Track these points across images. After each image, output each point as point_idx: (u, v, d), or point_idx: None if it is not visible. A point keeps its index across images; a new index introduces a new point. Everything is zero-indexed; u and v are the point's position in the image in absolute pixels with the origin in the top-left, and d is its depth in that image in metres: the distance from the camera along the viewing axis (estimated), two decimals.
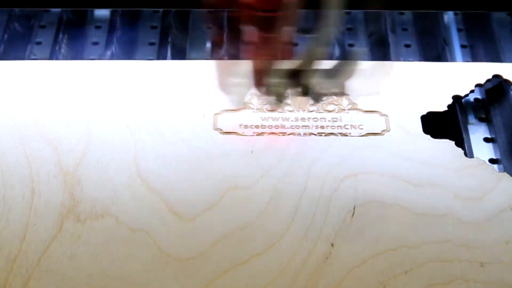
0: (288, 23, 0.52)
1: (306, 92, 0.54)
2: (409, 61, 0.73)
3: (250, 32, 0.53)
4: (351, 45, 0.76)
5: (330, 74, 0.53)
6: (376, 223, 0.55)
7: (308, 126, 0.62)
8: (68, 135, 0.61)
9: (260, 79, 0.55)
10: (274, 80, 0.54)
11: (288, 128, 0.62)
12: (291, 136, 0.61)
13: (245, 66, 0.54)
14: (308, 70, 0.53)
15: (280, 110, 0.63)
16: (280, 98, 0.55)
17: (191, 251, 0.53)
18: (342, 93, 0.54)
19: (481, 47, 0.74)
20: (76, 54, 0.74)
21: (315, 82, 0.53)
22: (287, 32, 0.52)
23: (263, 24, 0.51)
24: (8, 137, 0.61)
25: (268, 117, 0.63)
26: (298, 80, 0.53)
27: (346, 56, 0.53)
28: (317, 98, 0.55)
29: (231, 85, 0.56)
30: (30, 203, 0.56)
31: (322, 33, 0.50)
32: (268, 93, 0.56)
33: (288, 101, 0.64)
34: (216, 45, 0.55)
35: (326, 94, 0.55)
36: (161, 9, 0.78)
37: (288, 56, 0.54)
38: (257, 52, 0.53)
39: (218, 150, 0.60)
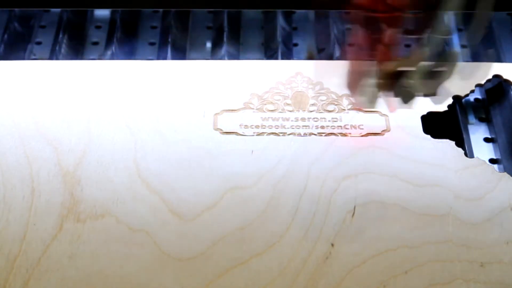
0: (396, 24, 0.53)
1: (400, 92, 0.55)
2: None
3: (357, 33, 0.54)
4: (351, 45, 0.76)
5: (428, 75, 0.53)
6: (376, 223, 0.55)
7: (308, 126, 0.62)
8: (68, 135, 0.61)
9: (356, 80, 0.56)
10: (372, 81, 0.54)
11: (288, 128, 0.62)
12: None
13: (370, 67, 0.55)
14: (408, 71, 0.53)
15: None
16: (375, 100, 0.56)
17: (191, 251, 0.53)
18: (435, 94, 0.55)
19: (481, 47, 0.74)
20: (76, 54, 0.74)
21: (413, 83, 0.53)
22: (393, 33, 0.53)
23: (370, 25, 0.52)
24: (8, 137, 0.61)
25: (268, 117, 0.63)
26: (396, 81, 0.54)
27: (444, 57, 0.53)
28: (410, 99, 0.56)
29: (363, 85, 0.56)
30: (30, 203, 0.56)
31: (434, 35, 0.50)
32: (363, 93, 0.56)
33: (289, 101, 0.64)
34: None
35: (421, 95, 0.55)
36: (161, 9, 0.78)
37: (389, 57, 0.54)
38: (361, 54, 0.54)
39: (218, 150, 0.60)
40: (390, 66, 0.54)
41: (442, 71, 0.53)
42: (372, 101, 0.56)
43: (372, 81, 0.54)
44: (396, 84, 0.54)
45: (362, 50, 0.54)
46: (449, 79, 0.54)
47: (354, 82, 0.56)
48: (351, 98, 0.61)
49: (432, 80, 0.54)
